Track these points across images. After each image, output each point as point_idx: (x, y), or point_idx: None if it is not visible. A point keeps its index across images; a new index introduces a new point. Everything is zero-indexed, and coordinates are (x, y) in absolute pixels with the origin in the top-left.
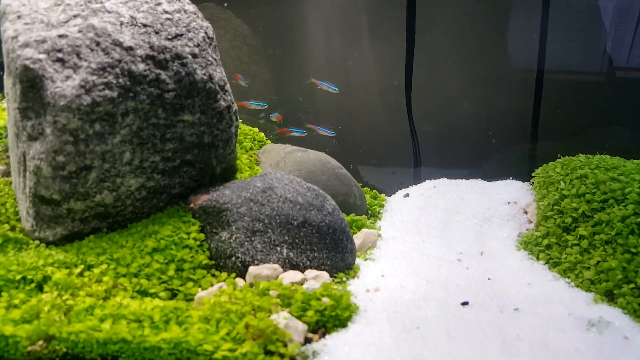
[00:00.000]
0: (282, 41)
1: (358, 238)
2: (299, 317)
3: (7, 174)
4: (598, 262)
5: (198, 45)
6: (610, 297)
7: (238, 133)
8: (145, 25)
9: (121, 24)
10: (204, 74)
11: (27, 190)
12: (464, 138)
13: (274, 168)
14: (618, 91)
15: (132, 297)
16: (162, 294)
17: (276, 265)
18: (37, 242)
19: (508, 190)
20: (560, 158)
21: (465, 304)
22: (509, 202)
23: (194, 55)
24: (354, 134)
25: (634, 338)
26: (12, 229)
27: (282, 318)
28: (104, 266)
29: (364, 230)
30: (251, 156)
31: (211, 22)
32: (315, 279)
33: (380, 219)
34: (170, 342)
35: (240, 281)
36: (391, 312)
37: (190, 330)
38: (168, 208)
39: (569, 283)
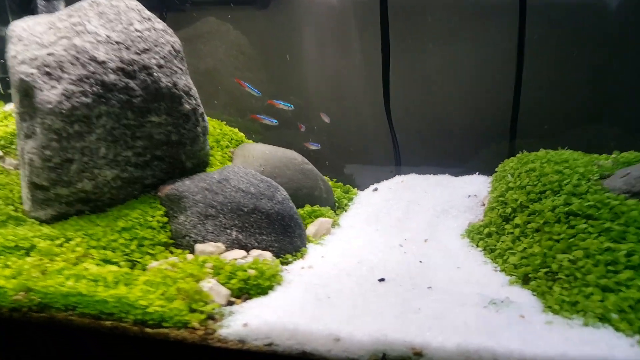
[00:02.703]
0: (276, 49)
1: (314, 226)
2: (224, 284)
3: (18, 167)
4: (524, 248)
5: (164, 58)
6: (526, 281)
7: (215, 133)
8: (118, 43)
9: (98, 42)
10: (169, 82)
11: (25, 178)
12: (447, 138)
13: (243, 164)
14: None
15: (97, 265)
16: (123, 264)
17: (219, 244)
18: (32, 220)
19: (473, 184)
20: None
21: (382, 280)
22: (469, 196)
23: (160, 66)
24: (342, 136)
25: (530, 317)
26: (16, 209)
27: (207, 283)
28: (79, 239)
29: (320, 219)
30: (226, 153)
31: (209, 34)
32: (258, 257)
33: (346, 211)
34: (115, 297)
35: (190, 256)
36: (311, 284)
37: (134, 289)
38: (142, 196)
39: (496, 267)
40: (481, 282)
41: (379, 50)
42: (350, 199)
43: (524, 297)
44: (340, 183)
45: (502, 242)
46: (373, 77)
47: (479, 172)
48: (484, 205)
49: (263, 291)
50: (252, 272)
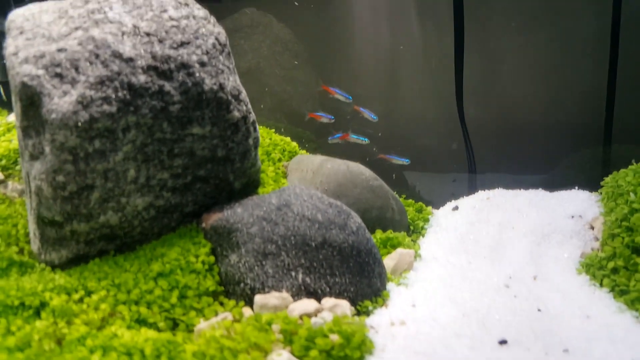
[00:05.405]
0: (327, 45)
1: (392, 259)
2: (300, 358)
3: (23, 193)
4: None
5: (207, 53)
6: None
7: (265, 144)
8: (148, 34)
9: (123, 34)
10: (214, 84)
11: (32, 211)
12: (527, 141)
13: (301, 181)
14: None
15: (129, 327)
16: (162, 324)
17: (285, 294)
18: (42, 265)
19: (573, 201)
20: (633, 164)
21: (503, 342)
22: (572, 216)
23: (202, 64)
24: (403, 140)
25: None
26: (21, 251)
27: (278, 357)
28: (103, 292)
29: (399, 250)
30: (278, 168)
31: (251, 28)
32: (332, 310)
33: (423, 236)
34: None
35: (247, 311)
36: (413, 353)
37: None
38: (181, 228)
39: (638, 317)
40: (630, 340)
41: (448, 37)
42: (426, 221)
43: None
44: (411, 200)
45: (638, 281)
46: (442, 70)
47: (578, 186)
48: (592, 228)
49: None
50: (334, 337)
